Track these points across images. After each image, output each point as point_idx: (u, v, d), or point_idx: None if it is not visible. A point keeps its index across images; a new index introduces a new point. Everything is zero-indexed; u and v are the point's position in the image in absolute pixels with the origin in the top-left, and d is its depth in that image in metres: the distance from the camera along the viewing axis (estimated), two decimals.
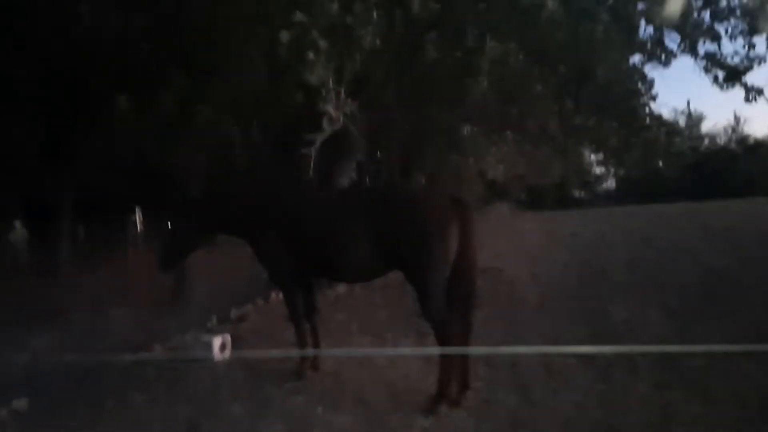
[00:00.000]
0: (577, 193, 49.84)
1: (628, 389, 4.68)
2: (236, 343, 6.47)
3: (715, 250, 12.40)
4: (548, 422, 4.12)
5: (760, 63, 8.24)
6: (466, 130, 11.23)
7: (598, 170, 35.37)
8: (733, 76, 8.32)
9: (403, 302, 7.45)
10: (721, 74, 8.43)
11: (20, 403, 5.07)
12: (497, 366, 5.41)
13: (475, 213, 6.11)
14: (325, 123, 6.23)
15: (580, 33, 6.80)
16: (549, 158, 13.57)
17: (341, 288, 9.78)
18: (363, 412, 4.47)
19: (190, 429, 4.35)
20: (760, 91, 8.19)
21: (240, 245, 5.97)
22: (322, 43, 5.55)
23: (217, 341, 6.20)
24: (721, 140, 49.24)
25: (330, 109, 6.11)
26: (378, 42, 5.90)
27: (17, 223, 11.88)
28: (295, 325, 5.65)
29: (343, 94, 6.19)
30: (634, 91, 8.62)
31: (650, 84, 8.81)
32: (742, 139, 47.36)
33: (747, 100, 8.30)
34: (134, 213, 13.39)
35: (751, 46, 8.11)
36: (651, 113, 9.30)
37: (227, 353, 6.23)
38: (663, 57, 8.70)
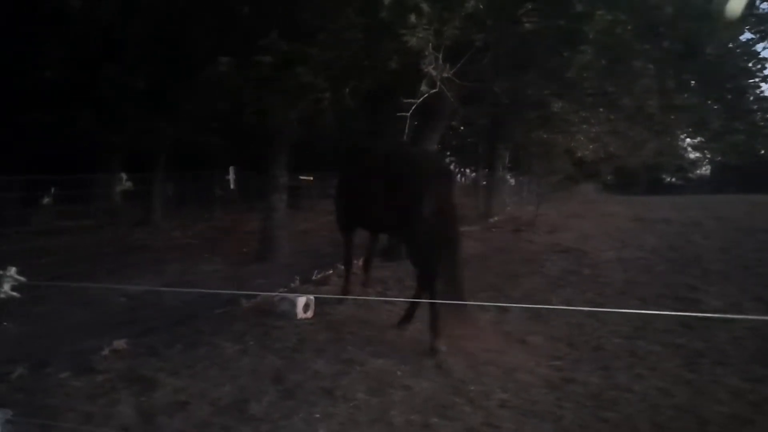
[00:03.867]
0: (670, 179, 47.65)
1: (717, 380, 4.52)
2: (318, 305, 6.65)
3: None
4: (629, 405, 4.04)
5: None
6: (557, 105, 10.93)
7: (694, 155, 33.51)
8: None
9: None
10: None
11: (120, 343, 5.43)
12: (580, 347, 5.34)
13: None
14: (423, 87, 6.23)
15: (692, 4, 6.43)
16: (643, 139, 13.05)
17: None
18: (442, 380, 4.53)
19: (276, 381, 4.54)
20: None
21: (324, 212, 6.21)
22: (425, 6, 5.53)
23: (301, 301, 6.41)
24: None
25: (430, 71, 6.09)
26: (481, 6, 5.81)
27: (123, 175, 12.59)
28: (345, 267, 7.12)
29: (441, 59, 6.15)
30: (744, 70, 8.12)
31: (762, 64, 8.27)
32: None
33: None
34: (228, 172, 13.91)
35: None
36: (759, 95, 8.77)
37: (310, 313, 6.44)
38: None
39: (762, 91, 8.74)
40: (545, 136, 12.44)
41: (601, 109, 11.71)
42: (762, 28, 8.24)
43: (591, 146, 14.19)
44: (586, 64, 6.66)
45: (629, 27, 6.39)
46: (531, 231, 14.25)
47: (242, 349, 5.35)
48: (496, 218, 17.38)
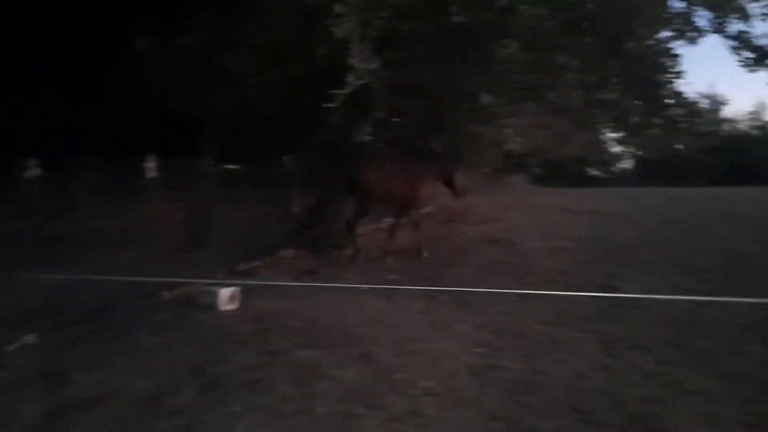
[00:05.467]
0: (595, 172, 49.29)
1: (632, 363, 4.69)
2: (244, 296, 6.52)
3: (735, 235, 12.28)
4: (549, 389, 4.14)
5: None
6: (486, 98, 11.08)
7: (618, 149, 34.74)
8: (762, 57, 8.14)
9: None
10: (749, 55, 8.25)
11: (31, 338, 5.16)
12: (504, 334, 5.44)
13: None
14: (349, 77, 6.17)
15: (612, 2, 6.62)
16: (568, 132, 13.41)
17: None
18: (368, 369, 4.52)
19: (196, 374, 4.41)
20: None
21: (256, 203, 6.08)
22: None
23: (225, 292, 6.26)
24: (743, 126, 48.26)
25: (356, 63, 6.03)
26: None
27: (31, 162, 11.99)
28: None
29: (369, 50, 6.10)
30: (661, 66, 8.44)
31: (677, 62, 8.62)
32: (764, 125, 46.44)
33: None
34: (151, 158, 13.45)
35: None
36: (675, 92, 9.13)
37: (235, 304, 6.30)
38: (692, 34, 8.53)
39: (677, 88, 9.03)
40: (475, 128, 12.59)
41: (528, 103, 11.91)
42: (677, 26, 8.57)
43: (519, 139, 14.46)
44: (510, 58, 6.76)
45: (552, 22, 6.54)
46: (462, 222, 14.42)
47: (162, 341, 5.18)
48: (428, 209, 17.50)
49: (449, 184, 10.15)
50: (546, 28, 6.65)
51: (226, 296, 6.22)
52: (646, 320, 5.96)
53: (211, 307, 6.13)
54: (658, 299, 6.87)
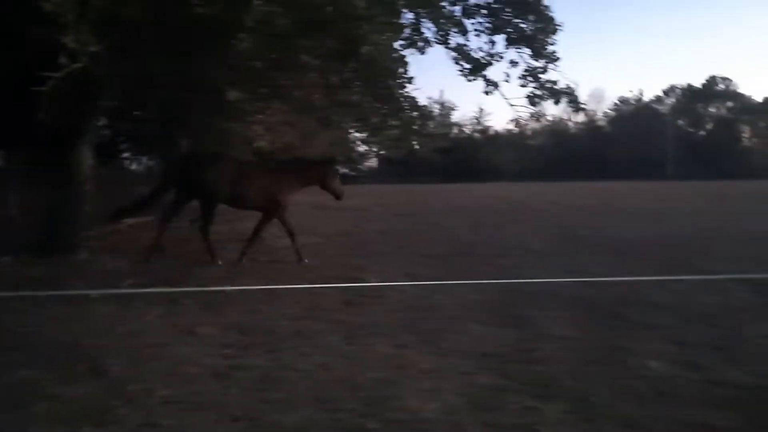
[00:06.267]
0: (344, 170, 51.61)
1: (371, 349, 4.98)
2: None
3: (460, 225, 13.83)
4: (293, 383, 4.20)
5: (498, 59, 9.33)
6: (233, 94, 10.93)
7: (363, 148, 36.95)
8: (476, 69, 9.28)
9: None
10: (467, 66, 9.34)
11: None
12: (251, 332, 5.40)
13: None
14: (63, 60, 5.53)
15: (345, 8, 6.95)
16: (314, 131, 13.88)
17: None
18: (97, 383, 4.14)
19: None
20: (495, 85, 9.21)
21: None
22: None
23: None
24: (468, 129, 54.70)
25: (69, 43, 5.41)
26: None
27: None
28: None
29: (88, 31, 5.53)
30: (394, 71, 9.13)
31: (407, 68, 9.41)
32: (485, 130, 53.21)
33: (486, 93, 9.36)
34: None
35: (493, 42, 9.13)
36: (408, 96, 9.97)
37: None
38: (420, 44, 9.37)
39: (409, 94, 9.90)
40: (222, 124, 12.37)
41: (275, 101, 12.02)
42: (408, 35, 9.34)
43: (267, 136, 14.57)
44: (250, 53, 6.73)
45: (288, 20, 6.64)
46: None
47: None
48: None
49: (326, 187, 9.90)
50: (282, 25, 6.72)
51: None
52: (385, 308, 6.40)
53: None
54: (395, 286, 7.44)
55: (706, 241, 11.93)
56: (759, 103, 76.20)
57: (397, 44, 9.73)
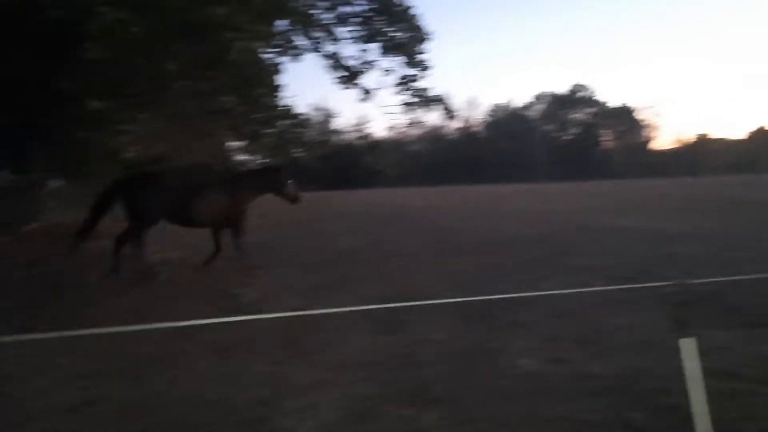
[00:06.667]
0: None
1: (248, 367, 4.79)
2: None
3: (340, 232, 13.77)
4: (160, 412, 3.93)
5: (373, 67, 9.42)
6: (94, 104, 10.23)
7: (242, 156, 36.13)
8: (351, 77, 9.29)
9: None
10: (342, 74, 9.34)
11: None
12: (113, 359, 5.02)
13: None
14: None
15: (208, 14, 6.67)
16: (188, 140, 13.29)
17: None
18: None
19: None
20: (370, 92, 9.28)
21: None
22: None
23: None
24: (349, 136, 55.16)
25: None
26: None
27: None
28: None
29: None
30: (266, 79, 8.94)
31: (278, 75, 9.26)
32: (366, 136, 53.86)
33: (361, 100, 9.40)
34: None
35: (366, 51, 9.18)
36: (283, 104, 9.81)
37: None
38: (293, 51, 9.25)
39: (283, 102, 9.74)
40: (83, 134, 11.52)
41: (143, 110, 11.41)
42: (280, 43, 9.18)
43: (137, 147, 13.79)
44: (98, 60, 6.28)
45: (142, 27, 6.26)
46: (72, 239, 13.07)
47: None
48: (31, 226, 15.45)
49: (281, 194, 9.82)
50: (135, 32, 6.32)
51: None
52: (261, 323, 6.18)
53: None
54: (271, 298, 7.25)
55: (571, 238, 12.65)
56: (616, 109, 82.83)
57: (268, 52, 9.54)
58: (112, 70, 6.96)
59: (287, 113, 10.11)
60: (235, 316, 6.40)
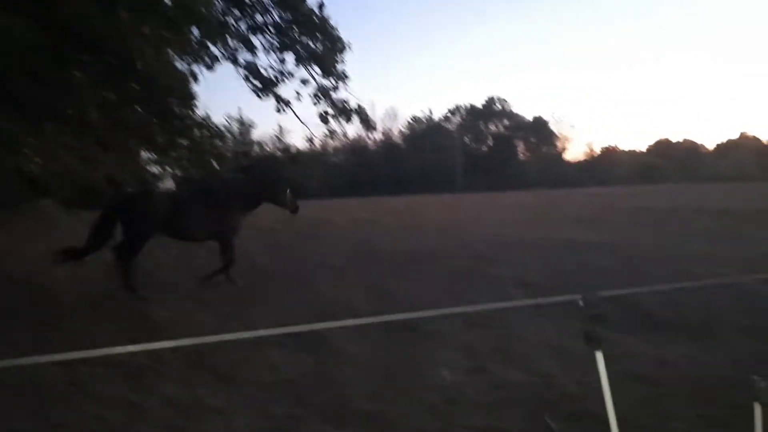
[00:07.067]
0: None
1: (158, 392, 4.54)
2: None
3: (258, 247, 13.45)
4: None
5: (289, 78, 9.28)
6: None
7: (156, 169, 34.79)
8: (267, 87, 9.12)
9: None
10: (257, 84, 9.15)
11: None
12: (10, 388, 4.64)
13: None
14: None
15: (113, 21, 6.36)
16: (95, 153, 12.62)
17: None
18: None
19: None
20: (287, 103, 9.13)
21: None
22: None
23: None
24: (269, 148, 54.49)
25: None
26: None
27: None
28: None
29: None
30: (179, 89, 8.63)
31: (190, 85, 8.97)
32: (286, 148, 53.25)
33: (278, 111, 9.23)
34: None
35: (282, 60, 9.04)
36: (197, 115, 9.50)
37: None
38: (208, 60, 8.98)
39: (197, 112, 9.42)
40: None
41: (46, 122, 10.75)
42: (193, 51, 8.90)
43: (40, 161, 12.98)
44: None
45: (35, 33, 5.86)
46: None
47: None
48: None
49: (281, 204, 9.66)
50: (28, 39, 5.91)
51: None
52: (174, 344, 5.87)
53: None
54: (186, 317, 6.95)
55: (489, 248, 12.90)
56: (530, 122, 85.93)
57: (181, 61, 9.22)
58: (5, 80, 6.49)
59: (202, 124, 9.78)
60: (147, 336, 6.10)
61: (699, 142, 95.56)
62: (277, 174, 10.31)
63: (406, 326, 6.23)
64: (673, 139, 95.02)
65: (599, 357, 2.53)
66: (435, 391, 4.37)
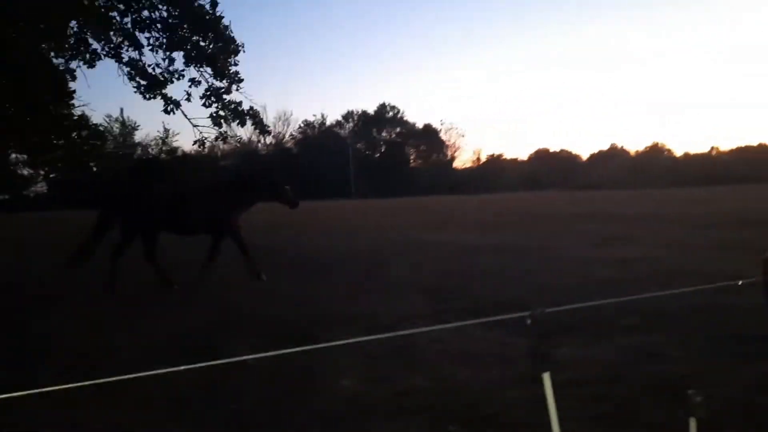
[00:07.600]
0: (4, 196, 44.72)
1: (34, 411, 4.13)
2: None
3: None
4: None
5: (179, 77, 8.83)
6: None
7: (26, 171, 32.32)
8: (153, 86, 8.64)
9: None
10: (143, 83, 8.65)
11: None
12: None
13: None
14: None
15: None
16: None
17: None
18: None
19: None
20: (177, 104, 8.71)
21: None
22: None
23: None
24: (154, 150, 52.18)
25: None
26: None
27: None
28: None
29: None
30: (52, 84, 7.98)
31: (68, 81, 8.36)
32: (172, 150, 51.16)
33: (166, 111, 8.76)
34: None
35: (171, 59, 8.59)
36: (75, 114, 8.87)
37: None
38: (89, 56, 8.40)
39: (76, 112, 8.78)
40: None
41: None
42: (72, 46, 8.29)
43: None
44: None
45: None
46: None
47: None
48: None
49: (282, 200, 10.05)
50: None
51: None
52: (51, 359, 5.45)
53: None
54: (65, 326, 6.43)
55: (388, 253, 12.99)
56: (420, 130, 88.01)
57: (59, 55, 8.55)
58: None
59: (81, 123, 9.09)
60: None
61: (574, 152, 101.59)
62: (277, 174, 10.85)
63: (306, 334, 6.08)
64: (551, 149, 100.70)
65: (546, 378, 2.42)
66: (338, 401, 4.27)
